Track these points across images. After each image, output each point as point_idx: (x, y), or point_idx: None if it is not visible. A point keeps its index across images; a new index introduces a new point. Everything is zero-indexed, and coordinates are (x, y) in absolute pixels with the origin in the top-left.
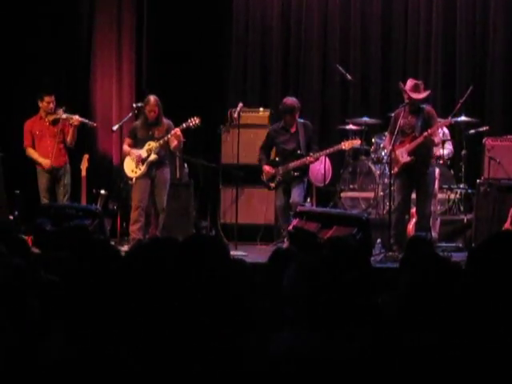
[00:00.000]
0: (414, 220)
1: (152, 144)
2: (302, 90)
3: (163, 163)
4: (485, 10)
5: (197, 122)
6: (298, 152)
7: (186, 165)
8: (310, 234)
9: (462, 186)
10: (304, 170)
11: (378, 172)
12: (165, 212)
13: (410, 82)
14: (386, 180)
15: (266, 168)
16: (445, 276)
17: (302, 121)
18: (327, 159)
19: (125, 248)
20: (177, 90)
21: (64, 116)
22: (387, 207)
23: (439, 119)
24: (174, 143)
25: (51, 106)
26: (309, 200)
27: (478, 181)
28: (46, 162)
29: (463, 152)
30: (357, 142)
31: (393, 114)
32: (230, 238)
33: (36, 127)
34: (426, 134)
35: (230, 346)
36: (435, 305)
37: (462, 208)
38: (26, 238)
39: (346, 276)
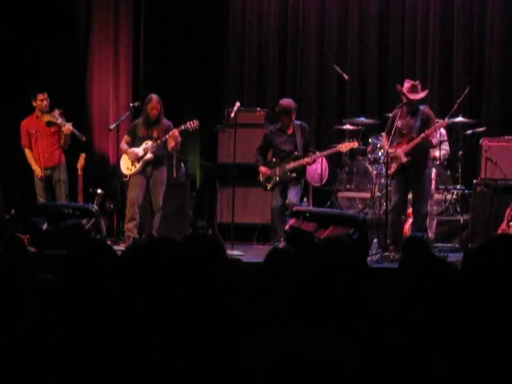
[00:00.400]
0: (410, 220)
1: (149, 143)
2: (298, 90)
3: (160, 163)
4: (482, 10)
5: (196, 125)
6: (295, 153)
7: (182, 164)
8: (307, 234)
9: (458, 186)
10: (301, 171)
11: (375, 172)
12: (161, 211)
13: (407, 84)
14: (383, 180)
15: (263, 169)
16: (441, 276)
17: (298, 122)
18: (324, 159)
19: (121, 247)
20: (174, 89)
21: (58, 121)
22: (384, 207)
23: (436, 120)
24: (171, 144)
25: (45, 103)
26: (305, 200)
27: (474, 181)
28: (37, 170)
29: (460, 152)
30: (354, 145)
31: (391, 115)
32: (227, 238)
33: (32, 127)
34: (423, 134)
35: (225, 346)
36: (431, 305)
37: (458, 208)
38: (22, 236)
39: (343, 276)
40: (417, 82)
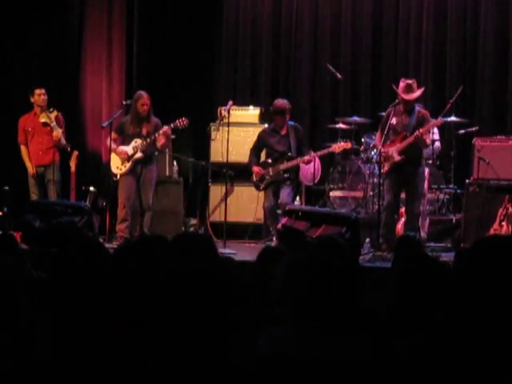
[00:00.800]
0: (403, 219)
1: (138, 141)
2: (292, 88)
3: (150, 161)
4: (475, 10)
5: (185, 123)
6: (289, 154)
7: (175, 162)
8: (299, 233)
9: (451, 186)
10: (294, 171)
11: (368, 171)
12: (151, 210)
13: (402, 83)
14: (376, 179)
15: (256, 169)
16: (433, 276)
17: (292, 123)
18: (317, 158)
19: (113, 245)
20: (167, 87)
21: (52, 124)
22: (376, 206)
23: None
24: (161, 142)
25: (43, 97)
26: (298, 199)
27: (467, 181)
28: (30, 167)
29: (452, 152)
30: (347, 145)
31: (384, 113)
32: (219, 236)
33: (29, 124)
34: (417, 133)
35: (216, 344)
36: (424, 304)
37: (451, 208)
38: (14, 234)
39: (335, 275)
40: (412, 81)
